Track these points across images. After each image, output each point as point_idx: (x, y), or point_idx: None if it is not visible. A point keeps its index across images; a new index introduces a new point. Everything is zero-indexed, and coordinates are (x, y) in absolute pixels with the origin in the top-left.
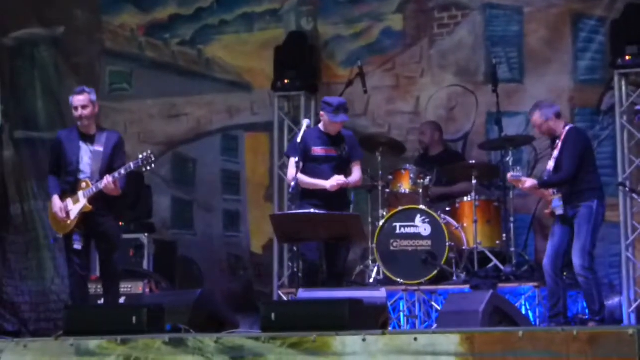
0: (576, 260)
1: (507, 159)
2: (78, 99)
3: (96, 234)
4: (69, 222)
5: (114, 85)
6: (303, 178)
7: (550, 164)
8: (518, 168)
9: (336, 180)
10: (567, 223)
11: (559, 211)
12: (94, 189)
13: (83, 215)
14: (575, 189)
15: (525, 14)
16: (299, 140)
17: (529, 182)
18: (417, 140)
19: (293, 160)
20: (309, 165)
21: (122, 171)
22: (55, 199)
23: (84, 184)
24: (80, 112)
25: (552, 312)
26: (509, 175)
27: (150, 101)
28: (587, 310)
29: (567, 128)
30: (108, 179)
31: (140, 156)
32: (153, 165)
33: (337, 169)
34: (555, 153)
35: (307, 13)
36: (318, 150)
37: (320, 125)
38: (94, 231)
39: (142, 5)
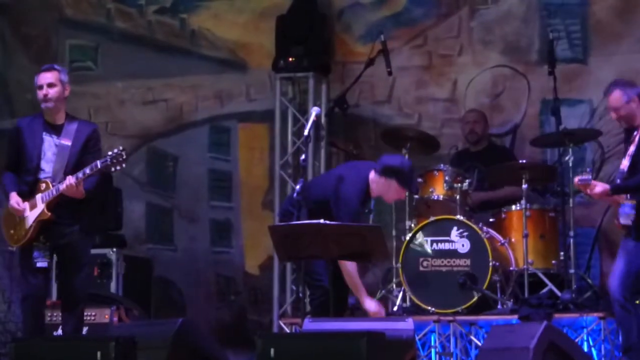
0: None
1: (567, 158)
2: (44, 76)
3: (58, 248)
4: (23, 231)
5: (76, 63)
6: (353, 271)
7: (625, 163)
8: (588, 170)
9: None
10: None
11: (626, 220)
12: (54, 192)
13: (41, 224)
14: None
15: None
16: (306, 133)
17: (600, 187)
18: (454, 133)
19: None
20: None
21: (87, 170)
22: (14, 195)
23: (43, 185)
24: (45, 90)
25: (624, 345)
26: (577, 178)
27: (120, 83)
28: None
29: None
30: (70, 180)
31: (110, 153)
32: (124, 165)
33: None
34: (632, 149)
35: None
36: None
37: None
38: (56, 244)
39: None
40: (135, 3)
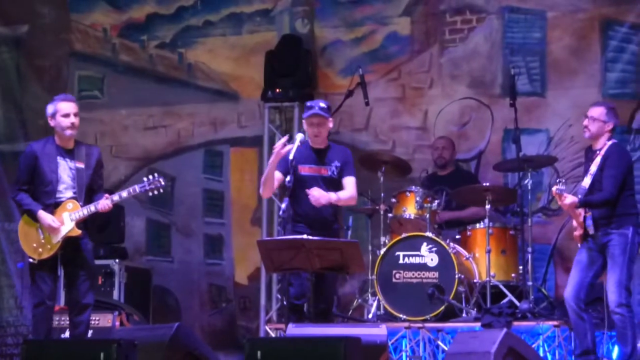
0: (611, 295)
1: (526, 181)
2: (72, 105)
3: (74, 259)
4: (49, 245)
5: (84, 92)
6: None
7: (587, 181)
8: (563, 181)
9: (318, 194)
10: (596, 251)
11: (592, 230)
12: (86, 211)
13: (66, 239)
14: (610, 213)
15: (549, 19)
16: (291, 157)
17: (570, 199)
18: (424, 159)
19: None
20: (297, 186)
21: (124, 194)
22: (43, 213)
23: (70, 205)
24: (73, 119)
25: (580, 349)
26: (555, 187)
27: (124, 111)
28: (618, 354)
29: (610, 142)
30: (107, 202)
31: (145, 179)
32: (162, 191)
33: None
34: (593, 169)
35: (303, 14)
36: (305, 170)
37: (309, 139)
38: (72, 256)
39: (116, 2)
40: (138, 38)
